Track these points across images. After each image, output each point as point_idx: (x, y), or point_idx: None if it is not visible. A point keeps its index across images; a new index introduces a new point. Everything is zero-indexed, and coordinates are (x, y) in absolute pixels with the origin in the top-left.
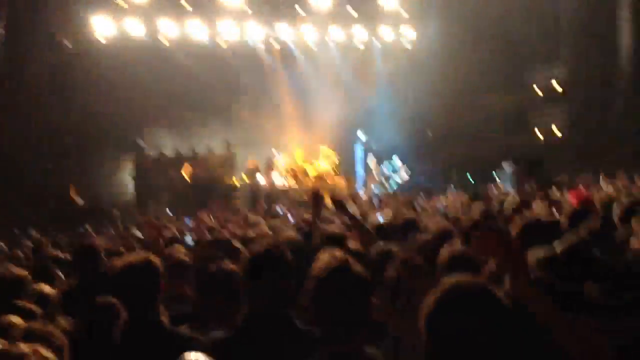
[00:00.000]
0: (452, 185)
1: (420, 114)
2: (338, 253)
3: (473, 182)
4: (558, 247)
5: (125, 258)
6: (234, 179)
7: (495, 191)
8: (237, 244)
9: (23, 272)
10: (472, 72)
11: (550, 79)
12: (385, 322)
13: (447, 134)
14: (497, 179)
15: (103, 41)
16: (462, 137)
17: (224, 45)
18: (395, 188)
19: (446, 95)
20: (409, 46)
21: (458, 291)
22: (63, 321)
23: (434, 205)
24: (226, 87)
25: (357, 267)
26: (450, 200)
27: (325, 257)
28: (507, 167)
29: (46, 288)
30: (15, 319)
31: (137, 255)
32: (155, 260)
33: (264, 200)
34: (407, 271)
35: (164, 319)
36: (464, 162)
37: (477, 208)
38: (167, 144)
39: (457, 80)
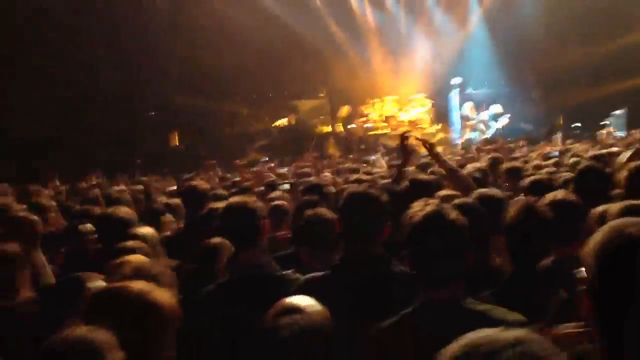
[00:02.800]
0: (559, 133)
1: (520, 57)
2: (433, 200)
3: (580, 128)
4: None
5: (230, 200)
6: (327, 125)
7: (604, 137)
8: (331, 189)
9: (130, 213)
10: (574, 14)
11: None
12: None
13: (549, 76)
14: (608, 124)
15: None
16: (569, 80)
17: None
18: (493, 134)
19: (548, 38)
20: None
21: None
22: (167, 262)
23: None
24: (315, 32)
25: (453, 214)
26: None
27: (420, 204)
28: (620, 112)
29: (148, 230)
30: (133, 257)
31: (237, 198)
32: (254, 202)
33: (358, 147)
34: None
35: (267, 261)
36: (570, 109)
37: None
38: (260, 90)
39: (558, 18)
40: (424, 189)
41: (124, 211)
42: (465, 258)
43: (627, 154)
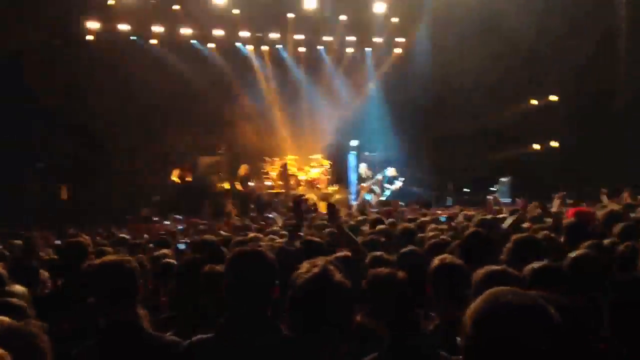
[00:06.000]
0: (449, 198)
1: (413, 121)
2: (320, 261)
3: (469, 194)
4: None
5: (103, 258)
6: (225, 183)
7: (492, 203)
8: (223, 248)
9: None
10: (465, 81)
11: (548, 91)
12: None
13: (441, 143)
14: (495, 190)
15: (89, 38)
16: (457, 147)
17: (214, 49)
18: (388, 196)
19: (439, 105)
20: (399, 52)
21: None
22: (36, 323)
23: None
24: (217, 90)
25: (337, 275)
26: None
27: (306, 264)
28: (505, 179)
29: (18, 288)
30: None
31: (113, 256)
32: (131, 261)
33: (255, 206)
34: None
35: (143, 322)
36: (459, 174)
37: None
38: (158, 146)
39: (449, 88)
40: (317, 250)
41: None
42: (347, 319)
43: (510, 220)
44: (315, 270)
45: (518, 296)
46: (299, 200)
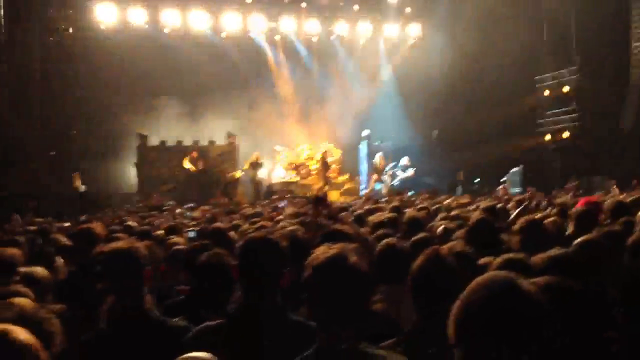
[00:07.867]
0: (459, 187)
1: (426, 113)
2: (336, 245)
3: (479, 183)
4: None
5: (111, 244)
6: (236, 171)
7: (501, 193)
8: (233, 235)
9: (13, 252)
10: (478, 71)
11: (561, 83)
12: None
13: (454, 134)
14: (505, 180)
15: (103, 27)
16: (470, 138)
17: (227, 37)
18: (399, 185)
19: (452, 97)
20: (413, 41)
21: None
22: (53, 307)
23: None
24: (228, 79)
25: (354, 258)
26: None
27: (322, 248)
28: (516, 170)
29: (39, 271)
30: (18, 300)
31: (121, 242)
32: (138, 247)
33: (266, 193)
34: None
35: (150, 307)
36: (470, 165)
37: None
38: (170, 134)
39: (463, 79)
40: (337, 239)
41: (10, 252)
42: (364, 302)
43: (516, 212)
44: (332, 252)
45: (487, 281)
46: (320, 200)
